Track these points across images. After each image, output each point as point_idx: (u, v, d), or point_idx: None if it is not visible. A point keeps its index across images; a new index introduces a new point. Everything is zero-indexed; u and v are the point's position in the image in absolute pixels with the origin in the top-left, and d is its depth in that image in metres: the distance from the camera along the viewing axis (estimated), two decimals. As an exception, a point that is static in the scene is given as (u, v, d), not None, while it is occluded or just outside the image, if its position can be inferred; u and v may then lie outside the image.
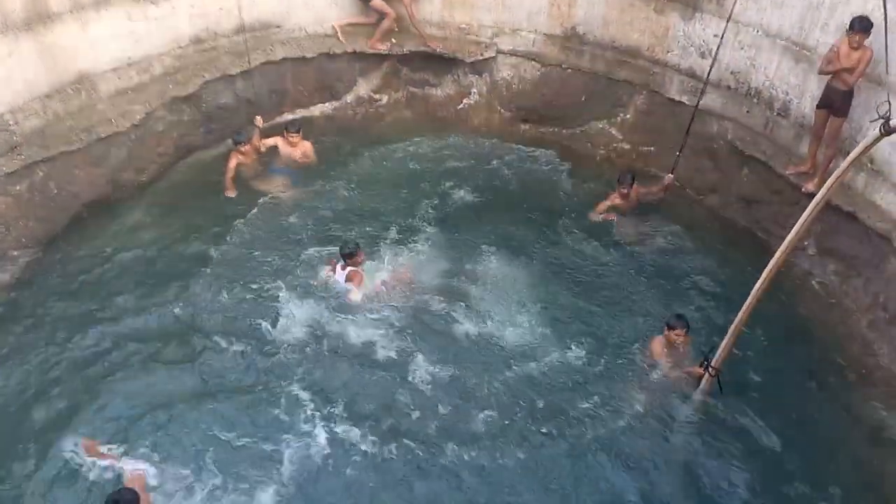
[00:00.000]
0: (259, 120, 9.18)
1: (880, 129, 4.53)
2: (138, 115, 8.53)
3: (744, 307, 5.76)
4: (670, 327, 6.80)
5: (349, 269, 7.51)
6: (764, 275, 5.53)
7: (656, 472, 6.29)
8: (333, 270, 7.65)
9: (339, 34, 9.88)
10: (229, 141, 9.08)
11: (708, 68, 8.38)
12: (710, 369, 6.26)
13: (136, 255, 7.97)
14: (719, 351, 6.15)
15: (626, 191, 8.71)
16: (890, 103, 4.60)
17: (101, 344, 6.96)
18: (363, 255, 7.62)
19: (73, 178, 8.13)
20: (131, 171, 8.69)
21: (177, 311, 7.33)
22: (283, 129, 9.13)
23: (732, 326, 5.91)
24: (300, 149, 9.11)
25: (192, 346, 7.01)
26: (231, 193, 8.84)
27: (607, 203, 8.85)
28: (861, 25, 7.00)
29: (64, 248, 7.94)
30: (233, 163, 8.87)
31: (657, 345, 6.97)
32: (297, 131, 9.04)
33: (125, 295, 7.49)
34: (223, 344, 7.04)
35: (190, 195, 8.84)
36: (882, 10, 5.41)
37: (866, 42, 7.04)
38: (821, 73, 7.47)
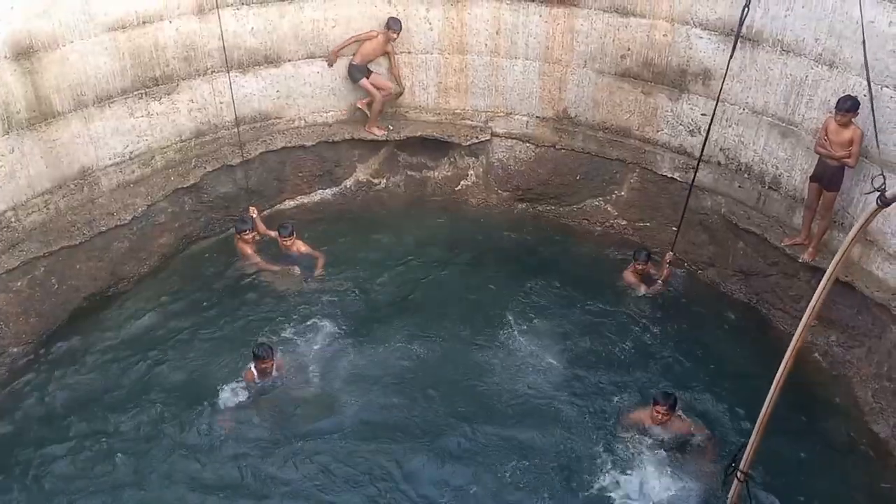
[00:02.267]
0: (254, 210, 9.25)
1: (877, 202, 4.59)
2: (140, 208, 8.65)
3: (766, 404, 5.48)
4: (655, 402, 6.82)
5: None
6: (782, 366, 5.35)
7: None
8: None
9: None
10: (232, 230, 9.19)
11: (699, 145, 8.58)
12: (738, 473, 5.99)
13: (136, 350, 7.97)
14: (747, 451, 5.84)
15: (640, 266, 8.79)
16: (885, 176, 4.69)
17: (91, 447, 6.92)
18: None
19: (74, 272, 8.18)
20: (133, 263, 8.75)
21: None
22: (277, 230, 9.09)
23: (757, 425, 5.61)
24: (295, 248, 9.14)
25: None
26: (275, 268, 8.96)
27: (628, 281, 8.94)
28: (845, 106, 7.15)
29: (63, 344, 7.92)
30: (246, 248, 8.96)
31: (640, 415, 7.03)
32: (291, 234, 9.00)
33: (117, 396, 7.46)
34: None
35: (192, 284, 8.88)
36: (866, 85, 5.56)
37: (854, 120, 7.23)
38: (817, 153, 7.62)
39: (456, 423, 7.31)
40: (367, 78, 9.80)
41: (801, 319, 5.21)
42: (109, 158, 8.62)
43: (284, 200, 10.14)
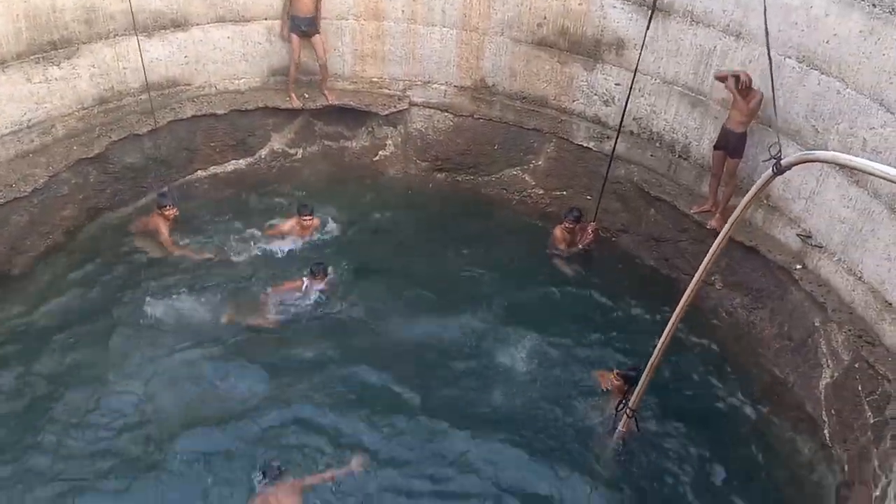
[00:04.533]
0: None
1: (773, 169, 4.76)
2: (41, 179, 8.21)
3: (657, 348, 5.90)
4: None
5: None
6: (674, 316, 5.70)
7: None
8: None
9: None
10: (141, 200, 8.89)
11: (613, 115, 8.74)
12: (627, 409, 6.40)
13: (40, 327, 7.64)
14: (636, 391, 6.29)
15: (569, 225, 9.04)
16: (780, 144, 4.87)
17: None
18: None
19: (-30, 247, 7.77)
20: (34, 238, 8.32)
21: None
22: (297, 210, 9.02)
23: (648, 366, 6.04)
24: (312, 228, 9.11)
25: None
26: (195, 257, 8.68)
27: (557, 238, 9.24)
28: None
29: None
30: (163, 227, 8.67)
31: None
32: (311, 213, 9.01)
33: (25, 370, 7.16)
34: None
35: (99, 259, 8.54)
36: (767, 56, 5.75)
37: (755, 86, 7.48)
38: (716, 77, 7.83)
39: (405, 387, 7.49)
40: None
41: (707, 283, 5.45)
42: (6, 127, 8.14)
43: (196, 171, 9.79)
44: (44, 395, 6.99)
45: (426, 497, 6.54)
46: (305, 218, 9.02)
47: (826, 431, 6.65)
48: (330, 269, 8.49)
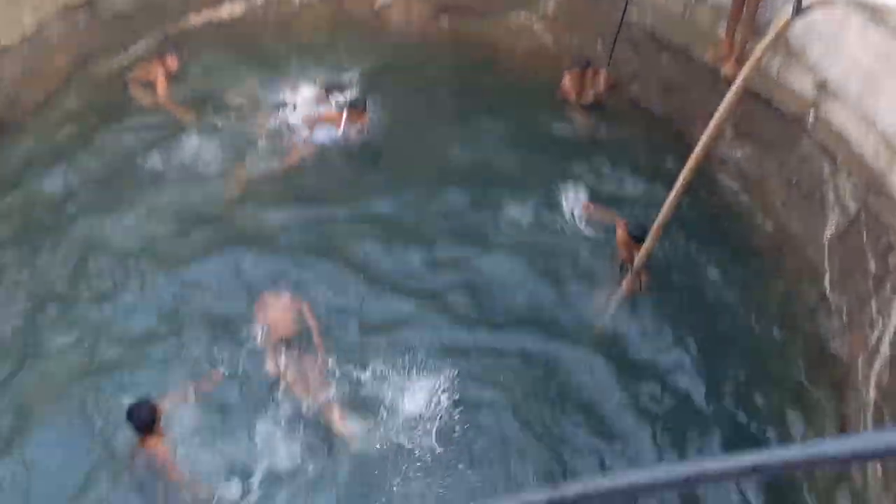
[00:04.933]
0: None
1: (794, 9, 4.53)
2: (29, 27, 7.91)
3: (665, 206, 5.79)
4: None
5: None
6: (684, 171, 5.57)
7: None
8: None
9: None
10: (132, 49, 8.58)
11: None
12: (628, 268, 6.40)
13: (36, 180, 7.60)
14: (642, 250, 6.24)
15: (579, 73, 8.71)
16: (800, -16, 4.59)
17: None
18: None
19: (-39, 100, 7.59)
20: (27, 90, 8.12)
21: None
22: (349, 105, 8.36)
23: (655, 226, 5.95)
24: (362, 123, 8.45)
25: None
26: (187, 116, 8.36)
27: (566, 87, 8.92)
28: None
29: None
30: (162, 77, 8.39)
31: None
32: (365, 109, 8.31)
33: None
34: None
35: (94, 110, 8.36)
36: None
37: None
38: None
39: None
40: None
41: (708, 126, 5.32)
42: (-13, -29, 7.75)
43: (189, 17, 9.40)
44: (46, 244, 7.04)
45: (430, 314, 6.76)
46: (354, 111, 8.31)
47: (827, 281, 6.73)
48: (369, 107, 8.24)
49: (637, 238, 6.52)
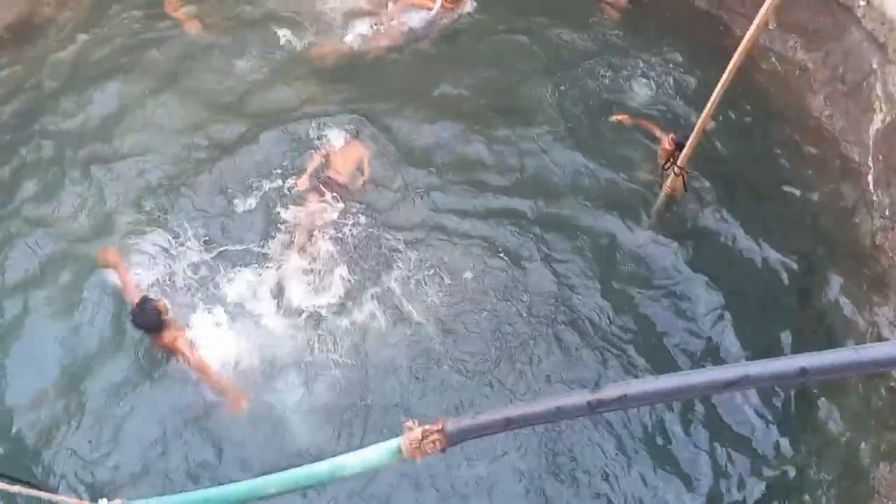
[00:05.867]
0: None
1: None
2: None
3: (709, 103, 5.55)
4: None
5: None
6: (730, 66, 5.33)
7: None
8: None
9: None
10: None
11: None
12: (675, 168, 6.21)
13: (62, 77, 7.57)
14: (686, 149, 6.05)
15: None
16: None
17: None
18: None
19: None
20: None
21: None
22: None
23: (699, 123, 5.72)
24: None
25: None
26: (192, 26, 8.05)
27: None
28: None
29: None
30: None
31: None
32: None
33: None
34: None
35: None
36: None
37: None
38: None
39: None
40: None
41: (755, 19, 5.08)
42: None
43: None
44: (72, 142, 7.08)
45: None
46: None
47: (870, 177, 6.55)
48: None
49: (682, 147, 6.30)
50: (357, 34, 8.03)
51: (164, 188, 6.71)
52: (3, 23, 7.69)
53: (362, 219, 6.58)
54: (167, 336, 5.47)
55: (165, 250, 6.24)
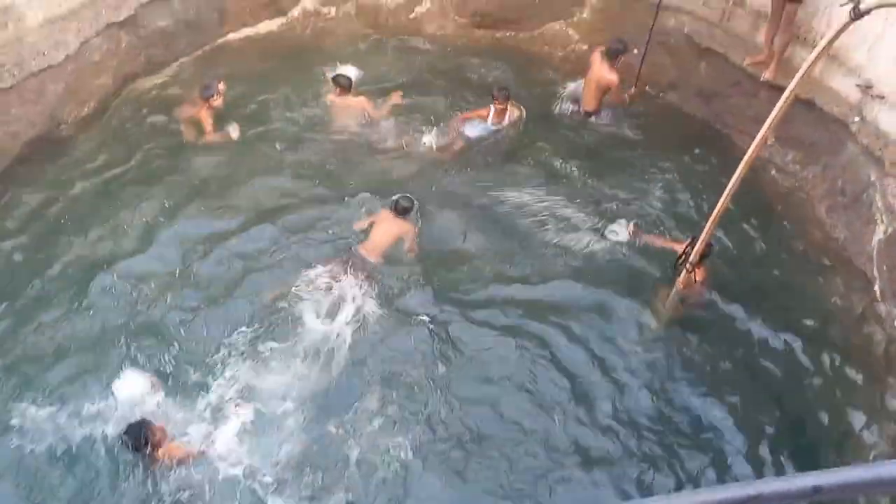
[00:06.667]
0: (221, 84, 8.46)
1: (850, 13, 4.38)
2: (72, 46, 8.09)
3: (717, 208, 5.62)
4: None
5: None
6: (735, 175, 5.43)
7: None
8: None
9: None
10: (174, 66, 8.69)
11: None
12: (687, 265, 6.25)
13: (86, 193, 7.71)
14: (697, 245, 6.08)
15: (500, 105, 8.46)
16: (859, -15, 4.45)
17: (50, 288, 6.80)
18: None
19: (10, 117, 7.75)
20: (72, 106, 8.30)
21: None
22: (492, 94, 8.50)
23: (706, 228, 5.81)
24: (508, 114, 8.62)
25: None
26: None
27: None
28: None
29: (9, 191, 7.62)
30: (206, 115, 8.30)
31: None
32: (508, 97, 8.48)
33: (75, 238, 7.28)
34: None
35: (137, 126, 8.51)
36: None
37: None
38: None
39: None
40: None
41: (757, 135, 5.21)
42: (32, -9, 7.94)
43: (227, 34, 9.58)
44: (89, 262, 7.09)
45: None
46: (499, 103, 8.44)
47: (877, 288, 6.53)
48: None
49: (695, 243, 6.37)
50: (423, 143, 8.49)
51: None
52: (25, 139, 7.91)
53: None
54: (160, 452, 5.38)
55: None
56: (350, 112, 8.65)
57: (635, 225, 7.48)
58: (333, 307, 6.61)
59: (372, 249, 7.08)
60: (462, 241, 7.47)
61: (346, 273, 6.79)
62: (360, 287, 6.73)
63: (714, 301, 6.90)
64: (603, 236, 7.48)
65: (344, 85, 8.57)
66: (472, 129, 8.59)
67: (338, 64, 9.14)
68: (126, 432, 5.31)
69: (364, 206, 7.61)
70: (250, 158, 8.15)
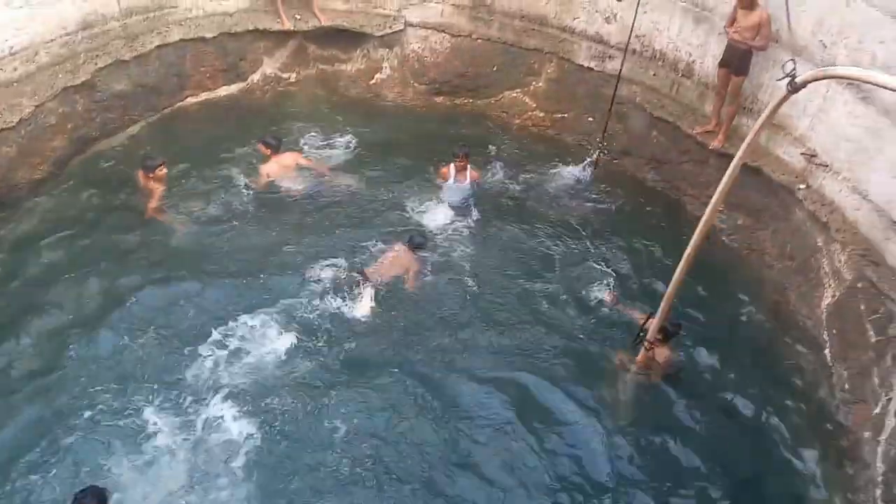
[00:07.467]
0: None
1: (788, 87, 4.59)
2: (27, 109, 7.98)
3: (673, 281, 5.70)
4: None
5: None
6: (689, 247, 5.55)
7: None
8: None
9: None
10: (132, 129, 8.63)
11: (615, 32, 8.46)
12: (646, 343, 6.28)
13: (34, 262, 7.49)
14: (655, 321, 6.12)
15: (461, 162, 8.57)
16: (795, 61, 4.67)
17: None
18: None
19: (-40, 179, 7.59)
20: (25, 169, 8.13)
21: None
22: (454, 154, 8.55)
23: (664, 303, 5.86)
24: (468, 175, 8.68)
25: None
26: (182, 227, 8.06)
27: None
28: None
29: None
30: (157, 190, 8.10)
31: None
32: (467, 154, 8.57)
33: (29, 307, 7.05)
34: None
35: (91, 191, 8.36)
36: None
37: (761, 2, 7.20)
38: (729, 38, 7.59)
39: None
40: None
41: (709, 204, 5.33)
42: (-13, 54, 7.87)
43: (186, 98, 9.57)
44: (48, 329, 6.85)
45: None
46: (460, 160, 8.54)
47: (828, 351, 6.66)
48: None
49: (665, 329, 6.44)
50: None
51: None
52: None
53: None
54: None
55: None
56: (288, 171, 8.59)
57: (613, 293, 7.53)
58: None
59: (375, 272, 7.39)
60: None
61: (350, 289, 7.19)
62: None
63: (679, 367, 6.94)
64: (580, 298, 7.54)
65: (272, 145, 8.53)
66: (452, 195, 8.60)
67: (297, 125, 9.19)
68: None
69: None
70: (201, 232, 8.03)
